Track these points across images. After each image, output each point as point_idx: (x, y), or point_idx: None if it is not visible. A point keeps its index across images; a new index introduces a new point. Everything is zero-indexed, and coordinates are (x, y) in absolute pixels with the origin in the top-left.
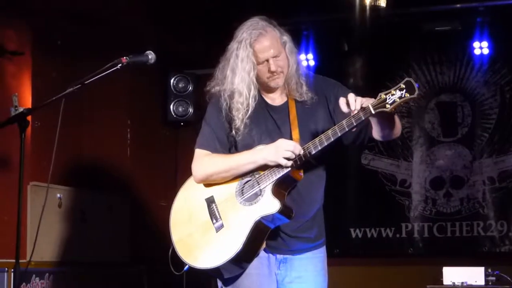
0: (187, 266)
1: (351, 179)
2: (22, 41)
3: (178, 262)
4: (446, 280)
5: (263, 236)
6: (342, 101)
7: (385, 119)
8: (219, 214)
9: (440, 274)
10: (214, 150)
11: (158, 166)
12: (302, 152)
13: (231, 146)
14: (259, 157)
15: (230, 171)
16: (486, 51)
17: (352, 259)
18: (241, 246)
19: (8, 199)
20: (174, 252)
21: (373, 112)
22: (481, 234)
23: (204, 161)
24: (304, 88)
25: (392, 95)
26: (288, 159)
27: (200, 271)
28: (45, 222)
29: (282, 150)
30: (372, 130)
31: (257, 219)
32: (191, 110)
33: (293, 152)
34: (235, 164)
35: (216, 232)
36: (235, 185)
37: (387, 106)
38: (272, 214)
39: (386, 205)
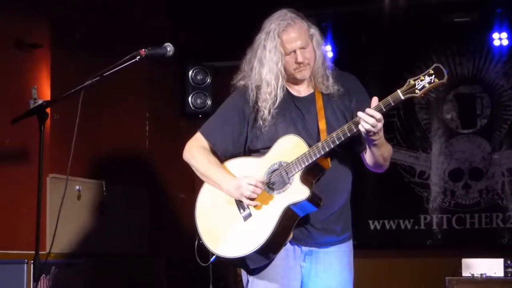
0: (213, 257)
1: (370, 171)
2: (41, 34)
3: (203, 253)
4: (465, 272)
5: (291, 225)
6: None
7: (377, 147)
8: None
9: (459, 266)
10: (213, 144)
11: (176, 158)
12: (260, 191)
13: (254, 138)
14: (224, 188)
15: (204, 177)
16: (505, 42)
17: (371, 251)
18: (271, 233)
19: (27, 191)
20: (200, 244)
21: (402, 97)
22: (500, 225)
23: (194, 151)
24: (331, 80)
25: (421, 80)
26: (250, 197)
27: (227, 261)
28: (64, 214)
29: (243, 190)
30: (365, 154)
31: (286, 206)
32: (209, 102)
33: (254, 192)
34: (209, 176)
35: (244, 221)
36: (261, 175)
37: (417, 91)
38: (302, 201)
39: (404, 197)
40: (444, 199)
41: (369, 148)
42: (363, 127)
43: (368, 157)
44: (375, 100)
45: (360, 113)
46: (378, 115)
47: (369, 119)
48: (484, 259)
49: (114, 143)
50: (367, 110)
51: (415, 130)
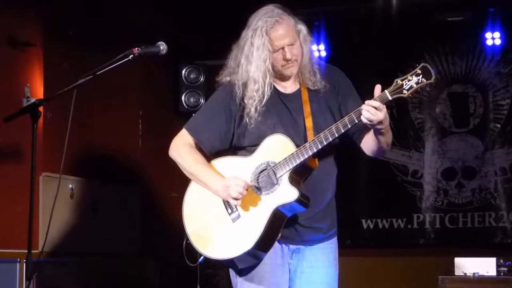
0: (202, 257)
1: (363, 170)
2: (34, 32)
3: (192, 253)
4: (458, 271)
5: (280, 225)
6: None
7: (381, 134)
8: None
9: (451, 265)
10: (200, 141)
11: (169, 157)
12: (245, 193)
13: (239, 136)
14: (212, 187)
15: (191, 176)
16: (498, 41)
17: (363, 250)
18: (260, 235)
19: (20, 190)
20: (188, 244)
21: (390, 98)
22: (492, 224)
23: (181, 149)
24: (318, 76)
25: (409, 80)
26: (236, 198)
27: (216, 262)
28: (57, 213)
29: (231, 191)
30: (364, 142)
31: (274, 208)
32: (202, 101)
33: (241, 193)
34: (197, 175)
35: (233, 222)
36: (249, 174)
37: (404, 91)
38: (290, 203)
39: (397, 196)
40: (437, 198)
41: (376, 136)
42: (364, 116)
43: (372, 144)
44: (378, 89)
45: (363, 106)
46: (377, 104)
47: (371, 108)
48: (477, 258)
49: (107, 142)
50: (368, 101)
51: (408, 129)
